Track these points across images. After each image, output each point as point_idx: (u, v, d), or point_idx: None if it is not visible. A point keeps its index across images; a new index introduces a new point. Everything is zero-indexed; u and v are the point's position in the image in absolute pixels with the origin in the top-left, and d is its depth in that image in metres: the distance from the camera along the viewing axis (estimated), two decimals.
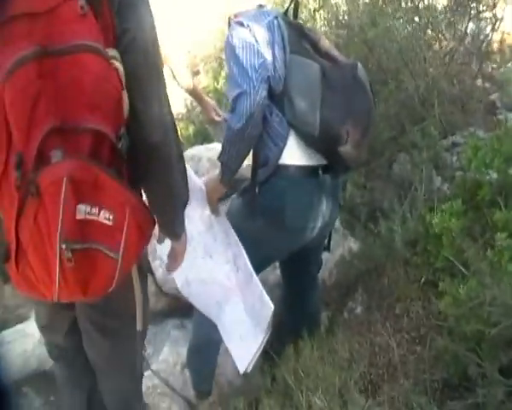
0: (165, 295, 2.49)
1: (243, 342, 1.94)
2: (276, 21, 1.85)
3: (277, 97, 1.79)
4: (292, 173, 1.82)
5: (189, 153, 2.94)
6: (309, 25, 3.62)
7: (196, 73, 3.57)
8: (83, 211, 0.99)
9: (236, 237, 1.91)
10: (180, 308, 2.57)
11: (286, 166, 1.81)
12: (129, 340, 1.47)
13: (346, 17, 3.17)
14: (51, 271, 1.00)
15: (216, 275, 1.96)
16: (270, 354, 2.12)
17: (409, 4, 3.34)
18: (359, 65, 1.82)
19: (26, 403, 2.22)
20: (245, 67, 1.72)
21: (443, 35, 3.43)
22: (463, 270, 2.23)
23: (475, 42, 3.48)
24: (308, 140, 1.79)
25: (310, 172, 1.84)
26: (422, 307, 2.58)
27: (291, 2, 1.98)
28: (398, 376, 2.27)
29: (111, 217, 1.03)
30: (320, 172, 1.85)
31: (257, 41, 1.78)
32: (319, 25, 3.52)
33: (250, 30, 1.79)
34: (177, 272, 1.69)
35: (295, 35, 1.84)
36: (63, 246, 0.97)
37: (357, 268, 2.56)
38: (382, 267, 2.64)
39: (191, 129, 4.11)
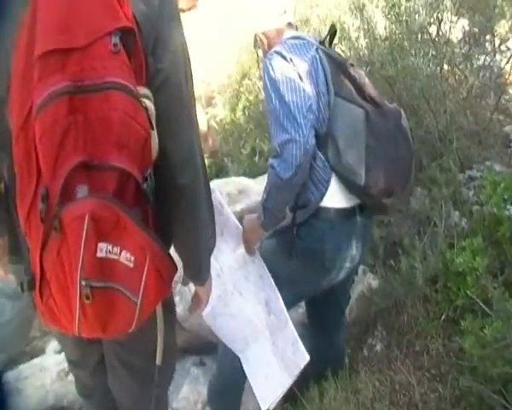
0: (185, 331, 2.46)
1: (268, 382, 1.90)
2: (318, 56, 1.80)
3: (321, 140, 1.75)
4: (332, 216, 1.81)
5: None
6: None
7: (212, 105, 3.57)
8: (104, 250, 0.98)
9: (272, 281, 1.87)
10: (200, 345, 2.54)
11: (326, 209, 1.80)
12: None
13: (366, 52, 3.18)
14: (72, 305, 0.99)
15: (245, 312, 1.92)
16: (292, 395, 2.09)
17: (425, 37, 3.36)
18: (403, 113, 1.81)
19: None
20: (292, 111, 1.66)
21: (459, 69, 3.46)
22: (486, 309, 2.22)
23: (491, 75, 3.50)
24: (352, 188, 1.78)
25: (348, 213, 1.84)
26: (443, 344, 2.56)
27: (329, 32, 1.94)
28: None
29: (132, 258, 1.01)
30: (357, 211, 1.85)
31: (301, 78, 1.72)
32: None
33: (293, 65, 1.74)
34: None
35: (338, 73, 1.79)
36: (83, 283, 0.96)
37: (377, 305, 2.54)
38: (402, 304, 2.62)
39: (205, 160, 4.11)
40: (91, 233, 0.95)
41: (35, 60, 0.94)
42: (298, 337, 1.84)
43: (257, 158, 2.93)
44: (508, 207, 2.62)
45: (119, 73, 0.99)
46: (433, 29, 3.36)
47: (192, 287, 1.52)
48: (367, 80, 1.85)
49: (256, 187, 2.81)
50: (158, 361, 1.37)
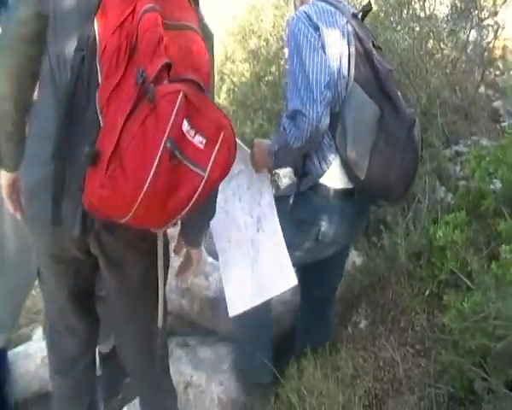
0: (168, 313, 2.47)
1: (241, 293, 1.91)
2: (347, 31, 1.75)
3: (332, 119, 1.73)
4: (330, 194, 1.82)
5: None
6: None
7: None
8: (186, 127, 1.15)
9: (273, 201, 1.91)
10: (184, 327, 2.56)
11: (325, 187, 1.81)
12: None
13: None
14: (147, 170, 1.10)
15: (237, 215, 1.96)
16: (273, 372, 2.10)
17: (410, 13, 3.33)
18: (417, 121, 1.79)
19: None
20: (310, 83, 1.64)
21: (445, 44, 3.42)
22: (468, 282, 2.21)
23: (477, 50, 3.46)
24: (351, 177, 1.78)
25: (346, 193, 1.84)
26: (427, 319, 2.55)
27: (364, 8, 1.89)
28: (403, 390, 2.25)
29: (204, 141, 1.17)
30: (356, 193, 1.85)
31: (324, 50, 1.69)
32: None
33: (319, 34, 1.70)
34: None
35: (363, 58, 1.75)
36: (168, 144, 1.10)
37: (361, 282, 2.54)
38: (386, 281, 2.61)
39: None
40: (182, 107, 1.13)
41: None
42: (290, 261, 1.84)
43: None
44: (493, 180, 2.61)
45: (193, 21, 1.32)
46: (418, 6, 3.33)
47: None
48: (387, 74, 1.78)
49: None
50: (159, 324, 1.52)
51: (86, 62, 1.27)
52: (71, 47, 1.29)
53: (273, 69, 3.58)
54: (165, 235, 1.52)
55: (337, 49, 1.72)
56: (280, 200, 1.90)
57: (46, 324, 1.73)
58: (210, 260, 2.43)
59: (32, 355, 2.34)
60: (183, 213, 1.22)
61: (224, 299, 1.97)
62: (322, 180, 1.81)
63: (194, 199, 1.19)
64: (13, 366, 2.30)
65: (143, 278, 1.52)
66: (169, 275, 2.35)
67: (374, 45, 1.81)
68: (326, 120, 1.68)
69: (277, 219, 1.88)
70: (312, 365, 1.99)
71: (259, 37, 3.78)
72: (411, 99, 2.98)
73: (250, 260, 1.93)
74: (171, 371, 1.91)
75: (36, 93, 1.42)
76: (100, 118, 1.20)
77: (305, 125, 1.65)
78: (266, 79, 3.58)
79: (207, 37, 1.39)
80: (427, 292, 2.53)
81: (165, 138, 1.10)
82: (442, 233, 2.25)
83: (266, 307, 1.99)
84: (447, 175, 2.98)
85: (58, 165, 1.30)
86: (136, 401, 1.99)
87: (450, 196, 2.90)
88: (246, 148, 1.99)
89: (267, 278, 1.89)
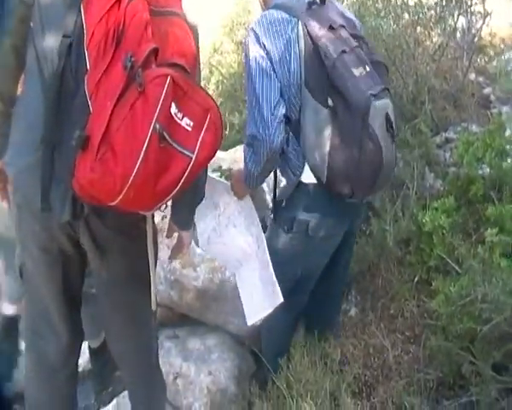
0: (158, 305, 2.47)
1: (254, 302, 2.02)
2: (294, 36, 1.71)
3: (293, 126, 1.76)
4: (311, 189, 1.82)
5: None
6: None
7: None
8: (173, 110, 1.17)
9: (258, 222, 2.02)
10: (174, 319, 2.55)
11: (305, 184, 1.83)
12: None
13: None
14: (137, 152, 1.12)
15: (237, 241, 2.06)
16: (262, 361, 2.10)
17: (398, 1, 3.32)
18: (371, 108, 1.64)
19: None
20: (261, 104, 1.69)
21: (433, 31, 3.41)
22: (456, 268, 2.21)
23: (466, 36, 3.45)
24: (318, 179, 1.78)
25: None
26: (417, 305, 2.55)
27: None
28: (393, 376, 2.25)
29: (191, 124, 1.20)
30: None
31: (273, 66, 1.71)
32: None
33: (266, 51, 1.72)
34: (199, 229, 2.01)
35: (312, 58, 1.70)
36: (157, 126, 1.13)
37: (351, 269, 2.53)
38: (376, 268, 2.62)
39: None
40: (170, 90, 1.15)
41: None
42: (275, 280, 1.91)
43: (227, 131, 2.92)
44: (481, 166, 2.60)
45: (178, 7, 1.35)
46: None
47: None
48: (336, 63, 1.66)
49: (227, 158, 2.87)
50: (153, 307, 1.55)
51: (74, 49, 1.28)
52: (57, 35, 1.29)
53: None
54: (153, 222, 1.52)
55: (284, 62, 1.71)
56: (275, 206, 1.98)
57: (25, 328, 1.66)
58: (198, 251, 2.42)
59: None
60: (172, 195, 1.24)
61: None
62: (302, 179, 1.82)
63: (182, 181, 1.21)
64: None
65: (132, 266, 1.52)
66: (157, 266, 2.40)
67: (332, 28, 1.73)
68: (279, 139, 1.70)
69: (265, 240, 1.98)
70: (300, 352, 1.99)
71: (247, 28, 3.77)
72: (398, 86, 2.97)
73: (258, 274, 2.02)
74: (160, 362, 1.92)
75: (21, 83, 1.42)
76: (89, 103, 1.21)
77: (261, 149, 1.70)
78: None
79: (191, 25, 1.40)
80: (416, 278, 2.54)
81: (153, 121, 1.13)
82: (429, 218, 2.26)
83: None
84: (436, 162, 2.98)
85: (46, 151, 1.30)
86: (126, 393, 1.98)
87: (439, 182, 2.90)
88: (224, 181, 2.14)
89: (269, 293, 1.97)
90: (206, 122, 1.23)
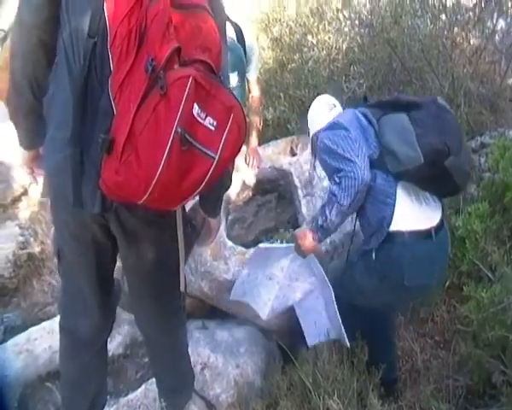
0: (188, 296, 2.49)
1: (316, 328, 2.12)
2: (358, 113, 1.96)
3: (377, 162, 1.86)
4: (406, 239, 1.85)
5: None
6: (333, 25, 3.60)
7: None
8: (196, 111, 1.18)
9: (320, 268, 2.09)
10: (203, 310, 2.58)
11: (400, 233, 1.85)
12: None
13: (369, 16, 3.12)
14: (160, 154, 1.14)
15: (302, 289, 2.17)
16: (290, 356, 2.11)
17: (436, 2, 3.28)
18: (438, 98, 1.90)
19: (50, 398, 2.27)
20: (340, 153, 1.83)
21: (471, 33, 3.36)
22: (489, 274, 2.18)
23: (505, 39, 3.39)
24: (418, 174, 1.81)
25: (423, 235, 1.86)
26: (447, 311, 2.53)
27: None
28: (421, 381, 2.24)
29: (215, 123, 1.21)
30: (433, 233, 1.87)
31: (347, 129, 1.87)
32: (343, 25, 3.50)
33: (339, 126, 1.91)
34: (258, 306, 2.17)
35: (375, 105, 1.98)
36: (179, 130, 1.14)
37: None
38: None
39: None
40: (192, 92, 1.16)
41: None
42: (343, 328, 2.03)
43: (260, 127, 2.92)
44: None
45: (204, 0, 1.32)
46: None
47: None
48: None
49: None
50: (182, 287, 1.59)
51: (98, 50, 1.29)
52: (83, 34, 1.31)
53: (296, 57, 3.56)
54: (184, 210, 1.57)
55: (354, 121, 1.93)
56: (364, 254, 1.97)
57: (60, 305, 1.75)
58: (229, 244, 2.44)
59: (56, 331, 2.33)
60: (196, 194, 1.26)
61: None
62: (396, 227, 1.85)
63: (205, 181, 1.23)
64: (37, 341, 2.37)
65: (161, 254, 1.55)
66: (189, 257, 2.42)
67: None
68: (368, 175, 1.80)
69: (332, 291, 2.05)
70: (328, 351, 1.99)
71: (282, 24, 3.77)
72: (434, 87, 2.94)
73: (323, 306, 2.13)
74: (189, 352, 1.95)
75: (51, 76, 1.44)
76: (113, 105, 1.23)
77: (352, 182, 1.79)
78: (289, 66, 3.57)
79: (218, 12, 1.41)
80: (447, 283, 2.51)
81: (175, 124, 1.14)
82: (462, 223, 2.23)
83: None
84: (471, 166, 2.93)
85: (75, 150, 1.33)
86: (154, 380, 2.02)
87: (473, 187, 2.85)
88: (284, 245, 2.21)
89: (336, 327, 2.08)
90: (230, 121, 1.23)
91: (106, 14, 1.27)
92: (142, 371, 2.33)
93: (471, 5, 3.37)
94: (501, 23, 3.43)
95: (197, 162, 1.20)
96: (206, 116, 1.20)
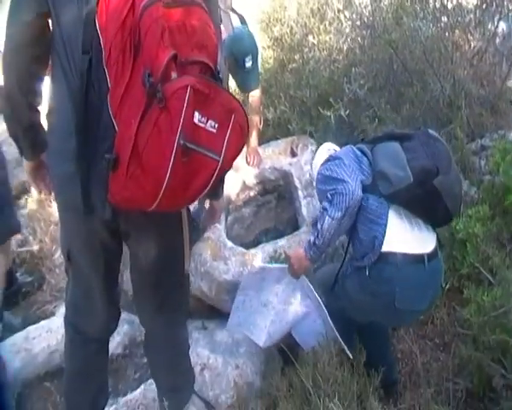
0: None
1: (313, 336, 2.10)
2: (353, 148, 2.01)
3: (369, 187, 1.90)
4: (399, 260, 1.87)
5: None
6: (334, 25, 3.59)
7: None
8: (197, 117, 1.19)
9: (313, 291, 2.07)
10: (203, 310, 2.57)
11: (393, 254, 1.87)
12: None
13: (370, 18, 3.12)
14: (164, 166, 1.16)
15: (298, 311, 2.15)
16: (290, 358, 2.10)
17: (437, 4, 3.28)
18: (429, 130, 1.98)
19: (49, 398, 2.26)
20: (337, 178, 1.87)
21: (472, 35, 3.35)
22: (489, 277, 2.18)
23: (506, 42, 3.39)
24: (408, 193, 1.84)
25: (416, 259, 1.88)
26: (447, 313, 2.53)
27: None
28: (421, 383, 2.24)
29: (216, 126, 1.22)
30: (425, 259, 1.88)
31: (342, 160, 1.92)
32: (344, 25, 3.50)
33: (334, 157, 1.98)
34: (254, 336, 2.15)
35: (370, 141, 2.05)
36: (181, 142, 1.16)
37: None
38: None
39: None
40: (191, 101, 1.16)
41: None
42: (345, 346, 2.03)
43: (261, 126, 2.92)
44: None
45: None
46: None
47: None
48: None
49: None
50: (186, 265, 1.64)
51: (94, 66, 1.28)
52: (78, 48, 1.30)
53: (297, 57, 3.56)
54: (188, 210, 1.62)
55: (351, 155, 1.97)
56: (357, 269, 1.98)
57: (67, 302, 1.75)
58: (229, 244, 2.44)
59: (55, 330, 2.38)
60: (203, 194, 1.29)
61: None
62: (389, 248, 1.87)
63: (211, 182, 1.27)
64: (35, 340, 2.36)
65: (169, 248, 1.58)
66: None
67: None
68: (360, 192, 1.84)
69: (326, 313, 2.05)
70: (328, 352, 1.98)
71: (283, 24, 3.76)
72: (435, 89, 2.93)
73: (321, 325, 2.10)
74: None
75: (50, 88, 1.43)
76: (114, 122, 1.24)
77: (343, 197, 1.82)
78: (290, 66, 3.57)
79: (214, 8, 1.42)
80: (447, 285, 2.51)
81: (178, 136, 1.15)
82: (462, 225, 2.23)
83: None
84: (471, 168, 2.93)
85: (82, 164, 1.34)
86: (153, 380, 2.01)
87: (474, 189, 2.85)
88: (279, 265, 2.19)
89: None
90: (231, 123, 1.25)
91: (98, 28, 1.25)
92: (141, 371, 2.33)
93: (472, 7, 3.37)
94: (502, 25, 3.43)
95: (202, 166, 1.23)
96: (207, 120, 1.21)
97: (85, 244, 1.53)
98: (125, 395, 2.19)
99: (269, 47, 3.87)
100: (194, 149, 1.19)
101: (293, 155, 2.95)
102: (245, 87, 2.73)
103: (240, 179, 2.86)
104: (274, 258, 2.40)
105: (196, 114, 1.19)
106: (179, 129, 1.15)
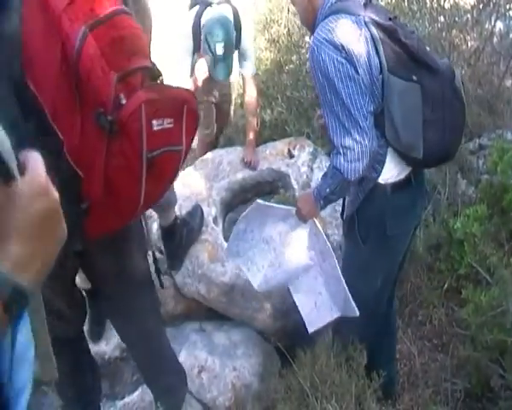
0: (184, 298, 2.48)
1: (318, 310, 2.01)
2: (368, 34, 1.68)
3: (377, 119, 1.71)
4: (388, 190, 1.82)
5: (209, 156, 2.95)
6: None
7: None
8: (155, 126, 1.21)
9: (325, 238, 1.94)
10: (200, 312, 2.56)
11: (382, 185, 1.82)
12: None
13: None
14: (137, 179, 1.21)
15: (300, 261, 2.02)
16: (288, 359, 2.10)
17: (434, 4, 3.28)
18: (456, 73, 1.75)
19: (46, 402, 2.25)
20: (353, 113, 1.64)
21: (469, 35, 3.36)
22: (487, 277, 2.17)
23: (503, 41, 3.39)
24: (410, 162, 1.78)
25: (403, 183, 1.83)
26: (445, 314, 2.52)
27: None
28: (419, 384, 2.23)
29: (172, 121, 1.25)
30: (412, 179, 1.84)
31: (356, 69, 1.65)
32: None
33: (346, 54, 1.65)
34: (251, 272, 2.05)
35: (389, 45, 1.68)
36: (148, 156, 1.19)
37: None
38: (405, 273, 2.58)
39: None
40: (146, 114, 1.18)
41: (59, 13, 1.14)
42: (349, 294, 1.87)
43: (258, 128, 2.92)
44: None
45: (117, 3, 1.24)
46: None
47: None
48: (416, 41, 1.72)
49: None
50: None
51: (42, 125, 1.17)
52: (17, 117, 1.16)
53: (294, 58, 3.56)
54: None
55: (366, 60, 1.66)
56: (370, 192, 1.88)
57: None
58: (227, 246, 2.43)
59: None
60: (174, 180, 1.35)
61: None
62: (378, 180, 1.81)
63: (179, 169, 1.36)
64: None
65: (131, 259, 1.60)
66: (186, 260, 2.41)
67: (390, 19, 1.74)
68: (375, 143, 1.69)
69: (334, 256, 1.93)
70: (326, 354, 1.97)
71: (280, 25, 3.77)
72: None
73: (322, 282, 2.01)
74: (185, 355, 1.93)
75: None
76: (77, 169, 1.21)
77: (360, 156, 1.66)
78: (287, 67, 3.57)
79: (143, 12, 1.46)
80: (445, 286, 2.51)
81: (143, 153, 1.19)
82: (460, 225, 2.22)
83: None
84: (469, 168, 2.93)
85: None
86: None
87: (471, 189, 2.85)
88: (286, 207, 2.03)
89: (339, 300, 1.96)
90: (185, 112, 1.28)
91: (33, 88, 1.15)
92: (138, 374, 2.31)
93: (469, 7, 3.38)
94: (499, 25, 3.44)
95: (168, 161, 1.29)
96: (163, 121, 1.24)
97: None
98: (122, 398, 2.19)
99: (266, 48, 3.87)
100: (160, 153, 1.23)
101: (291, 156, 2.94)
102: (213, 74, 2.75)
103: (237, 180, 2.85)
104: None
105: (154, 122, 1.21)
106: (144, 148, 1.18)
